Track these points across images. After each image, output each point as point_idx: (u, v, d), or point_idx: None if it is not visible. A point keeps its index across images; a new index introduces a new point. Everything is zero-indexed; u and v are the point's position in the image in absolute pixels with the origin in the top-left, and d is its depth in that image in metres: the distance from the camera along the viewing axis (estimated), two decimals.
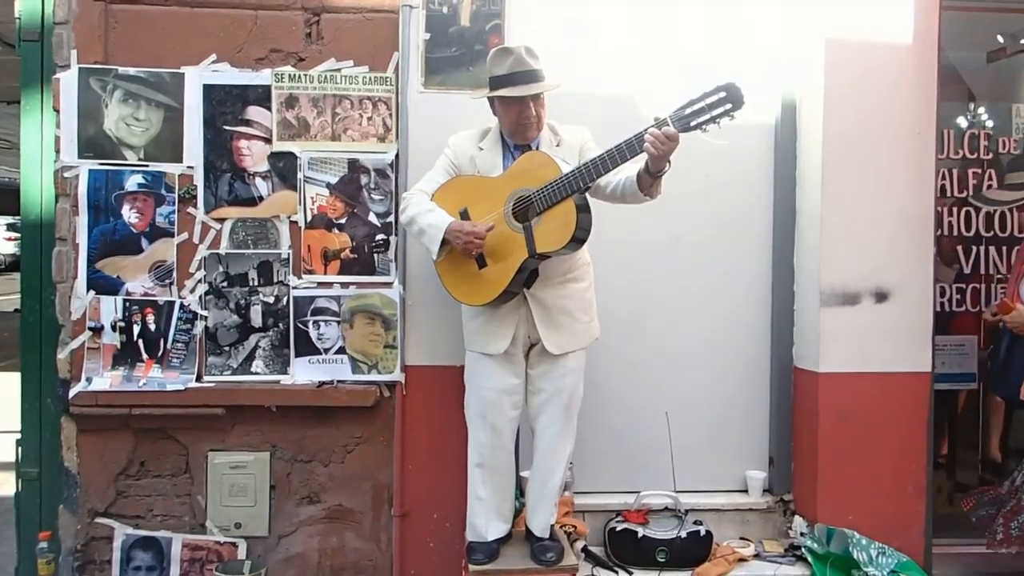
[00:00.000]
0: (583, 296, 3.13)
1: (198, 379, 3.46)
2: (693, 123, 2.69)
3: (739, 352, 3.74)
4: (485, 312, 3.05)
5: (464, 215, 3.00)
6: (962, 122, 4.16)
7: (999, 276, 4.05)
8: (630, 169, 2.86)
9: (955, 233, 4.03)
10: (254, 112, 3.45)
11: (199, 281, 3.46)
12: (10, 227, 22.03)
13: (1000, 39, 4.20)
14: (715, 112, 2.67)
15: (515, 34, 3.43)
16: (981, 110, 4.23)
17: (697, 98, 2.70)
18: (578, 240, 2.87)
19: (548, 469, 3.15)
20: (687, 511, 3.49)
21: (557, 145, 3.06)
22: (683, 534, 3.38)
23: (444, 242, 2.97)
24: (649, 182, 2.83)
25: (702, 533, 3.40)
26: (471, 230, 2.92)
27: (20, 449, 3.47)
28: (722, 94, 2.66)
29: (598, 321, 3.20)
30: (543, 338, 3.02)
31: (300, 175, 3.46)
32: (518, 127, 3.01)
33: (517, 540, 3.24)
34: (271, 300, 3.49)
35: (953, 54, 3.68)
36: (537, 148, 3.04)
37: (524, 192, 2.91)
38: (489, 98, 3.04)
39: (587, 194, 2.90)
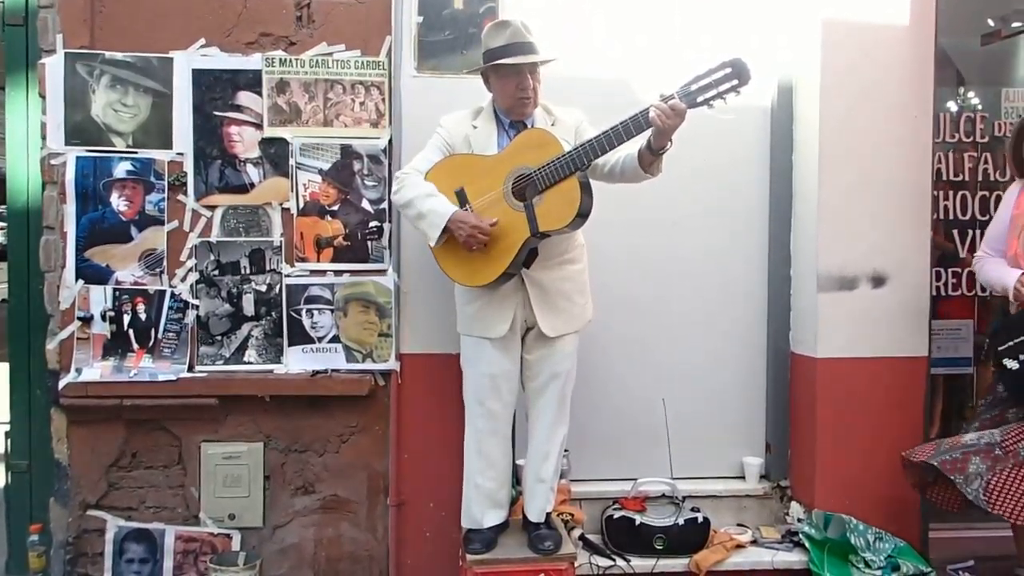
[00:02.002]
0: (579, 278, 3.10)
1: (190, 369, 3.41)
2: (700, 99, 2.67)
3: (736, 338, 3.73)
4: (483, 296, 3.01)
5: (461, 194, 2.94)
6: (952, 106, 4.15)
7: None
8: (629, 148, 2.83)
9: (951, 217, 4.02)
10: (244, 97, 3.40)
11: (190, 270, 3.41)
12: None
13: (991, 22, 4.19)
14: (721, 88, 2.66)
15: (508, 17, 3.38)
16: (971, 94, 4.22)
17: (703, 73, 2.68)
18: (582, 217, 2.84)
19: (544, 453, 3.12)
20: (684, 498, 3.47)
21: (552, 124, 3.02)
22: (680, 521, 3.36)
23: (444, 230, 2.91)
24: (650, 160, 2.81)
25: (699, 520, 3.39)
26: (476, 224, 2.85)
27: (9, 441, 3.43)
28: (728, 70, 2.65)
29: (592, 303, 3.17)
30: (539, 321, 2.99)
31: (292, 161, 3.42)
32: (516, 101, 2.96)
33: (514, 529, 3.22)
34: (263, 288, 3.44)
35: (944, 38, 3.67)
36: (532, 126, 3.00)
37: (524, 170, 2.86)
38: (484, 73, 3.00)
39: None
